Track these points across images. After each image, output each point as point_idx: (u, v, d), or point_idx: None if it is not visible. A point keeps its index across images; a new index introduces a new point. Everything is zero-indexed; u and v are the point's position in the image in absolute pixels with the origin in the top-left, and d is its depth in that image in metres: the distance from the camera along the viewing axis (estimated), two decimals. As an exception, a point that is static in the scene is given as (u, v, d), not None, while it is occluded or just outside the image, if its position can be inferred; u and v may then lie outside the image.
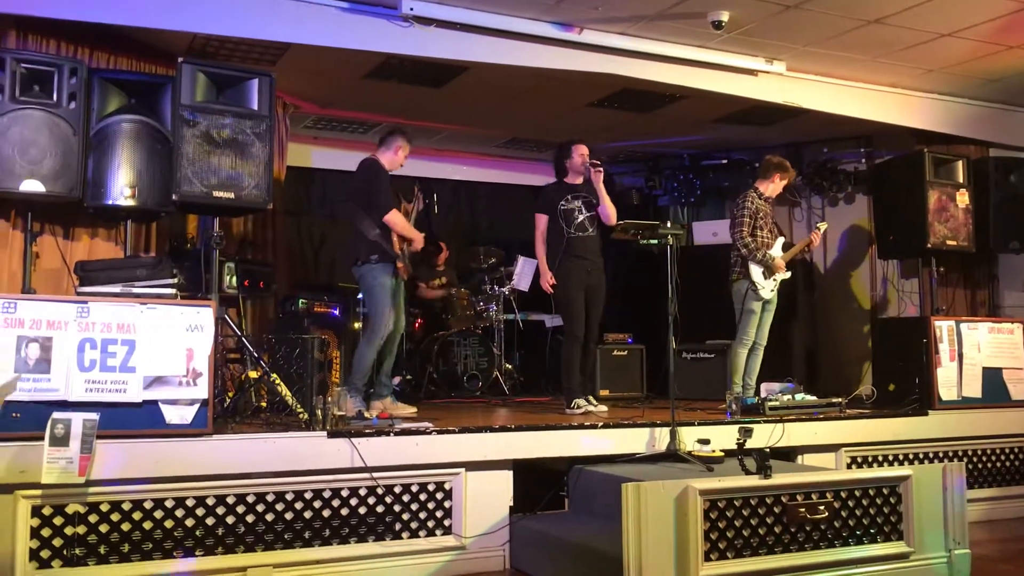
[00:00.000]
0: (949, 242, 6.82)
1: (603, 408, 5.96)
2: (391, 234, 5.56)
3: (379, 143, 5.85)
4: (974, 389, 6.35)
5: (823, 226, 6.52)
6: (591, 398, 6.01)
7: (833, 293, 8.27)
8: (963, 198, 6.92)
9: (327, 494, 4.39)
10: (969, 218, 6.94)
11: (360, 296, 7.20)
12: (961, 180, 6.98)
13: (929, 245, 6.73)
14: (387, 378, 5.77)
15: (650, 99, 7.09)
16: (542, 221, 6.19)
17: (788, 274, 6.34)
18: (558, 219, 6.10)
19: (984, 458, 6.31)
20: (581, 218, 6.07)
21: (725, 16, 5.60)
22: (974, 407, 6.30)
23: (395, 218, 5.57)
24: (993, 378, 6.43)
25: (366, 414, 5.11)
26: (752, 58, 6.49)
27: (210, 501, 4.16)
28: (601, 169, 6.03)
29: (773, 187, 6.37)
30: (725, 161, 8.86)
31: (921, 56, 6.41)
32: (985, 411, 6.31)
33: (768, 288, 6.20)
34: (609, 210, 6.02)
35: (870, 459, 5.89)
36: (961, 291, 7.58)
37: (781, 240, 6.38)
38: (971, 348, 6.38)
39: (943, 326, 6.32)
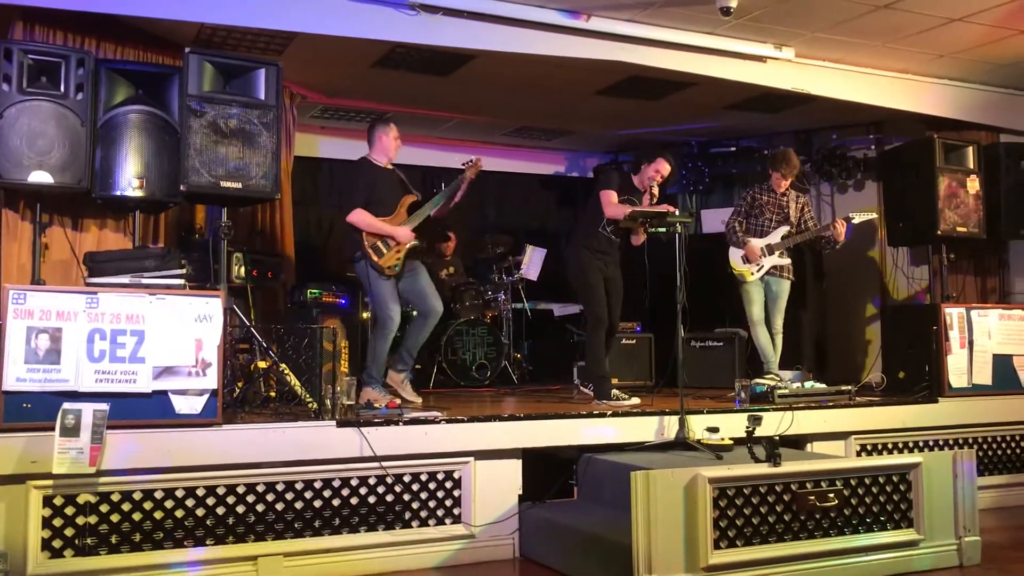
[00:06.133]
0: (959, 229, 6.78)
1: (636, 400, 5.72)
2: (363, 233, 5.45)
3: (368, 143, 5.73)
4: (985, 376, 6.31)
5: (857, 216, 6.36)
6: (617, 391, 5.81)
7: (842, 281, 8.23)
8: (973, 184, 6.88)
9: (337, 483, 4.40)
10: (979, 204, 6.89)
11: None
12: (971, 166, 6.93)
13: (939, 232, 6.69)
14: (408, 355, 5.71)
15: (658, 86, 7.06)
16: (613, 196, 5.79)
17: (785, 261, 6.39)
18: (600, 211, 5.83)
19: (995, 445, 6.28)
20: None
21: (734, 2, 5.55)
22: (985, 394, 6.26)
23: (356, 217, 5.44)
24: (1004, 365, 6.39)
25: (376, 404, 5.11)
26: (761, 44, 6.46)
27: (220, 491, 4.18)
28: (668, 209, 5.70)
29: (773, 180, 6.48)
30: (734, 148, 8.83)
31: (931, 41, 6.37)
32: (996, 398, 6.28)
33: (748, 271, 6.35)
34: (639, 240, 5.91)
35: (880, 447, 5.87)
36: (971, 278, 7.55)
37: (784, 229, 6.39)
38: (981, 335, 6.35)
39: (953, 313, 6.29)
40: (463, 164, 5.85)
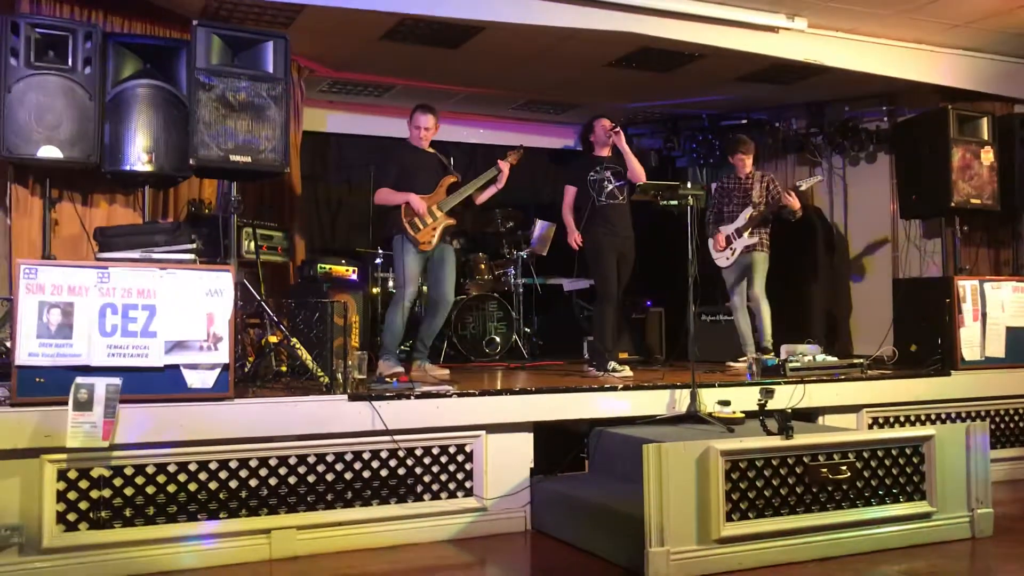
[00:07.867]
0: (973, 201, 6.71)
1: (628, 372, 5.92)
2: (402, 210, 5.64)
3: None
4: (997, 349, 6.28)
5: (804, 183, 6.52)
6: (614, 363, 5.97)
7: (854, 254, 8.19)
8: (988, 155, 6.80)
9: (348, 457, 4.42)
10: (994, 176, 6.82)
11: (378, 261, 7.28)
12: (986, 137, 6.86)
13: (953, 204, 6.63)
14: (422, 344, 5.86)
15: (669, 58, 6.99)
16: (570, 192, 6.25)
17: (754, 239, 6.45)
18: (588, 189, 6.11)
19: (1008, 418, 6.26)
20: (611, 187, 6.08)
21: (746, -29, 5.50)
22: (997, 367, 6.24)
23: (378, 197, 5.74)
24: (1017, 337, 6.35)
25: (387, 379, 5.12)
26: (773, 14, 6.38)
27: (233, 464, 4.19)
28: (619, 130, 6.08)
29: (736, 165, 6.71)
30: (745, 121, 8.74)
31: (946, 10, 6.28)
32: (1009, 371, 6.25)
33: (723, 257, 6.57)
34: (637, 169, 6.06)
35: (892, 420, 5.86)
36: (984, 250, 7.48)
37: (748, 211, 6.51)
38: (995, 308, 6.31)
39: (966, 286, 6.25)
40: (509, 151, 6.06)
